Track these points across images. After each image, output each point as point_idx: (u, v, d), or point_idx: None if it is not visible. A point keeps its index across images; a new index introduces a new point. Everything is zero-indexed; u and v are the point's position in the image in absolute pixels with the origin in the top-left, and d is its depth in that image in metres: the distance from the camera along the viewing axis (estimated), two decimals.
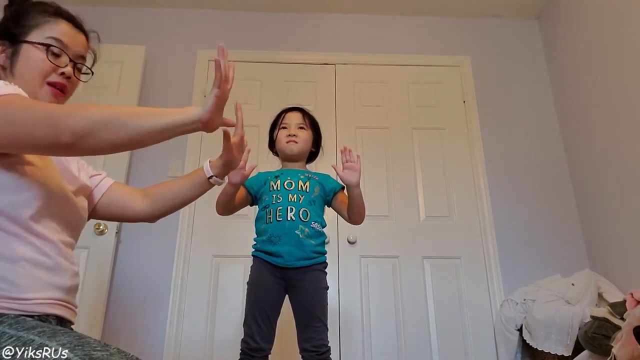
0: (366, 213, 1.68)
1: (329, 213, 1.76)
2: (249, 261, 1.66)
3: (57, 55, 1.00)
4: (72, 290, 0.96)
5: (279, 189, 1.65)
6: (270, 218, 1.61)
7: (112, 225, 2.48)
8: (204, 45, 3.05)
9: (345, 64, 3.07)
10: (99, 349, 0.74)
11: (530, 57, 3.15)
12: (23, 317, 0.80)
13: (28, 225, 0.87)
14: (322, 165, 1.93)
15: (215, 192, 1.94)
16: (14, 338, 0.73)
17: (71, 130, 0.80)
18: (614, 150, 2.45)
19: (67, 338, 0.74)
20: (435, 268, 2.63)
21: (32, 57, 0.98)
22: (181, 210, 2.64)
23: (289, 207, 1.60)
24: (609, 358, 1.53)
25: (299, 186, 1.65)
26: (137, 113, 0.87)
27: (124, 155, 2.62)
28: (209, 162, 1.25)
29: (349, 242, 2.62)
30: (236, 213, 2.55)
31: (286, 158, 1.77)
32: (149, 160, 2.76)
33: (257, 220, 1.68)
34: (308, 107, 1.87)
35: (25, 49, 0.98)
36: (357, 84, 3.03)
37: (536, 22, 3.25)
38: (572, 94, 2.85)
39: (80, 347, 0.72)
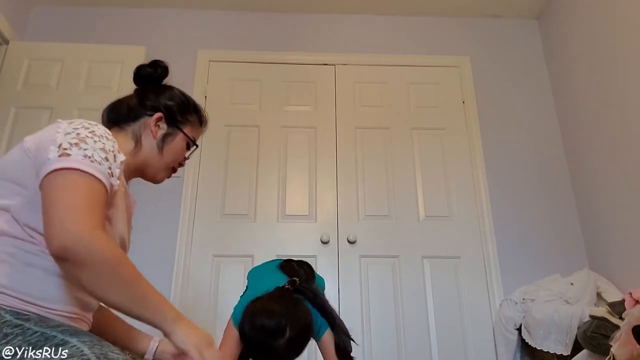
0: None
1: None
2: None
3: (188, 151, 1.22)
4: (93, 309, 1.04)
5: None
6: None
7: None
8: (204, 45, 3.05)
9: (345, 64, 3.07)
10: (116, 351, 0.78)
11: (530, 57, 3.16)
12: (48, 317, 0.84)
13: None
14: None
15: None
16: (38, 334, 0.77)
17: (74, 245, 0.79)
18: (613, 150, 2.45)
19: (88, 337, 0.79)
20: (435, 268, 2.63)
21: (180, 146, 1.18)
22: (181, 210, 2.68)
23: None
24: (607, 357, 1.54)
25: None
26: (139, 286, 0.87)
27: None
28: (159, 342, 1.18)
29: (348, 241, 2.63)
30: (236, 213, 2.59)
31: None
32: None
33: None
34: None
35: (179, 137, 1.18)
36: (357, 84, 3.03)
37: (535, 22, 3.25)
38: (571, 93, 2.85)
39: (98, 347, 0.77)
